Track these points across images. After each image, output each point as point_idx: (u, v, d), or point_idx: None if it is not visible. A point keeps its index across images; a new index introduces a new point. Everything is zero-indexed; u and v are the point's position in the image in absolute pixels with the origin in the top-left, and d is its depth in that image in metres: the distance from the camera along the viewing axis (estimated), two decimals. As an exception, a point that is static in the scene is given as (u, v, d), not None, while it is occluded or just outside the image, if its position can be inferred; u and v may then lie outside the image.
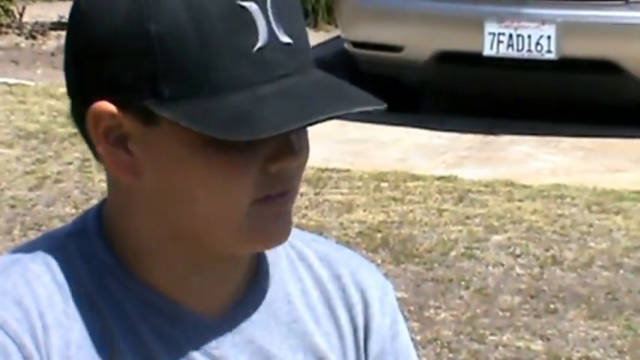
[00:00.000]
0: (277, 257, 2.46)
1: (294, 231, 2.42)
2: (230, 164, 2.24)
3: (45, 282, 2.33)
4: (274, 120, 2.16)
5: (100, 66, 2.27)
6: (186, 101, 2.21)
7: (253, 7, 2.20)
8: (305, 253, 2.54)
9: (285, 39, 2.21)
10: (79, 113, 2.29)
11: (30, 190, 9.35)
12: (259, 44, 2.18)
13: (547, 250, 8.67)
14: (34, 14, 13.80)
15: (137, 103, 2.22)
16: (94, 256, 2.39)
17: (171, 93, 2.20)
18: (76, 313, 2.34)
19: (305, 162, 2.28)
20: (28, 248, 2.41)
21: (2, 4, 13.75)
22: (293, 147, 2.21)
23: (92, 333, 2.34)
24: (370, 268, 2.60)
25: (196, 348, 2.39)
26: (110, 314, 2.36)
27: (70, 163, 9.70)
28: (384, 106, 2.09)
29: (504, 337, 7.43)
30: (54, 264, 2.37)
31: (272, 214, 2.29)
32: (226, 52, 2.21)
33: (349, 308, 2.51)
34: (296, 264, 2.51)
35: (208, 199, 2.30)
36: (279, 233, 2.32)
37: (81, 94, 2.30)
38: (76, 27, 2.30)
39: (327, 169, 9.55)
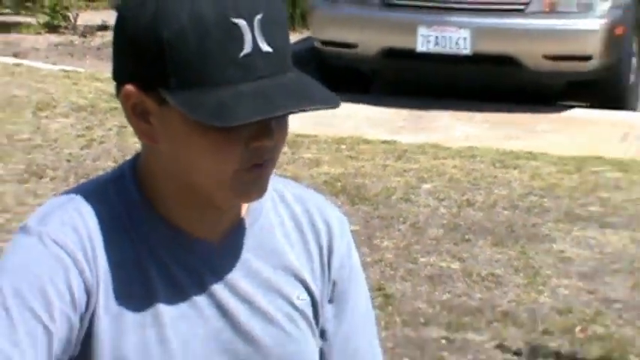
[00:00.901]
0: (263, 199, 2.44)
1: (277, 178, 2.52)
2: (219, 141, 2.25)
3: (92, 215, 2.35)
4: (244, 113, 2.18)
5: (128, 59, 2.31)
6: (186, 92, 2.22)
7: (242, 23, 2.20)
8: (284, 194, 2.55)
9: (267, 48, 2.23)
10: (118, 90, 2.32)
11: (81, 149, 9.28)
12: (244, 52, 2.20)
13: (463, 195, 8.86)
14: (85, 19, 13.53)
15: (153, 89, 2.26)
16: (128, 197, 2.41)
17: (176, 84, 2.22)
18: (114, 240, 2.36)
19: (283, 139, 2.32)
20: (79, 190, 2.43)
21: (62, 12, 13.45)
22: (270, 130, 2.26)
23: (127, 256, 2.37)
24: (332, 206, 2.63)
25: (205, 268, 2.41)
26: (140, 243, 2.38)
27: (111, 129, 9.55)
28: (337, 104, 2.20)
29: (431, 259, 7.60)
30: (98, 202, 2.38)
31: (251, 180, 2.30)
32: (218, 57, 2.21)
33: (317, 235, 2.54)
34: (277, 204, 2.53)
35: (203, 164, 2.30)
36: (255, 193, 2.35)
37: (117, 78, 2.34)
38: (115, 28, 2.36)
39: (300, 135, 9.64)
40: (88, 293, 2.31)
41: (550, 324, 6.75)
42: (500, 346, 6.43)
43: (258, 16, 2.23)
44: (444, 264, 7.62)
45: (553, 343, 6.51)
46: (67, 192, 2.43)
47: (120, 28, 2.33)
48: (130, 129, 2.39)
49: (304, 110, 2.22)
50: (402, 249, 7.80)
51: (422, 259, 7.66)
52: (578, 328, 6.68)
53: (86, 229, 2.34)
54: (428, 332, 6.56)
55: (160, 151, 2.35)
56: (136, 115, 2.31)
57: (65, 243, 2.30)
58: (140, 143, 2.41)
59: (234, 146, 2.26)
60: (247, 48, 2.21)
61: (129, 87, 2.28)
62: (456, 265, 7.59)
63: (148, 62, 2.26)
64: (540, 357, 6.29)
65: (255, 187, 2.34)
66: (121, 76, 2.33)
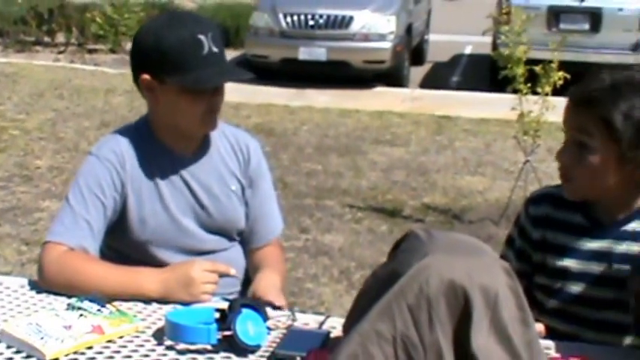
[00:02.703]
0: (214, 135, 2.43)
1: (223, 123, 2.47)
2: (194, 99, 2.25)
3: (125, 143, 2.33)
4: (209, 82, 2.23)
5: (142, 60, 2.28)
6: (176, 75, 2.21)
7: (202, 37, 2.22)
8: (224, 131, 2.48)
9: (215, 50, 2.24)
10: (136, 79, 2.31)
11: (128, 112, 8.77)
12: (205, 52, 2.22)
13: (322, 131, 8.62)
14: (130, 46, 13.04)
15: (156, 75, 2.25)
16: (143, 132, 2.37)
17: (170, 71, 2.22)
18: (136, 155, 2.33)
19: (223, 98, 2.32)
20: (119, 130, 2.40)
21: (118, 42, 13.13)
22: (220, 92, 2.30)
23: (142, 163, 2.34)
24: (251, 137, 2.55)
25: (183, 169, 2.39)
26: (150, 156, 2.35)
27: (144, 102, 9.03)
28: (253, 76, 2.24)
29: (307, 164, 7.60)
30: (128, 136, 2.35)
31: (209, 119, 2.31)
32: (192, 55, 2.21)
33: (242, 153, 2.48)
34: (222, 136, 2.46)
35: (185, 113, 2.28)
36: (211, 127, 2.34)
37: (135, 71, 2.30)
38: (133, 46, 2.32)
39: (240, 103, 9.28)
40: (122, 184, 2.33)
41: (366, 194, 6.74)
42: (342, 206, 6.40)
43: (210, 34, 2.24)
44: (314, 166, 7.48)
45: (367, 203, 6.49)
46: (113, 132, 2.41)
47: (137, 46, 2.31)
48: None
49: (237, 81, 2.33)
50: (292, 160, 7.65)
51: (302, 164, 7.53)
52: (379, 196, 6.69)
53: (120, 151, 2.32)
54: (305, 201, 6.51)
55: (159, 108, 2.33)
56: (148, 90, 2.31)
57: (111, 159, 2.32)
58: (148, 105, 2.38)
59: (202, 102, 2.28)
60: (206, 50, 2.23)
61: (144, 75, 2.28)
62: (320, 167, 7.44)
63: (155, 62, 2.25)
64: (362, 210, 6.30)
65: (211, 123, 2.34)
66: (137, 70, 2.31)
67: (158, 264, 2.30)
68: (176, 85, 2.24)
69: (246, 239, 2.55)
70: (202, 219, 2.42)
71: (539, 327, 1.98)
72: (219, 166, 2.46)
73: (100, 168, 2.31)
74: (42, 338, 1.87)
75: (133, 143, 2.35)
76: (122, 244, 2.39)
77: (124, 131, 2.40)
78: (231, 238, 2.51)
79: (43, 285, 2.21)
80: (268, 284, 2.32)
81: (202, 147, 2.44)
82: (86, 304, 2.02)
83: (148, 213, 2.36)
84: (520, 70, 5.75)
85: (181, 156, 2.40)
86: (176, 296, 2.14)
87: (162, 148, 2.38)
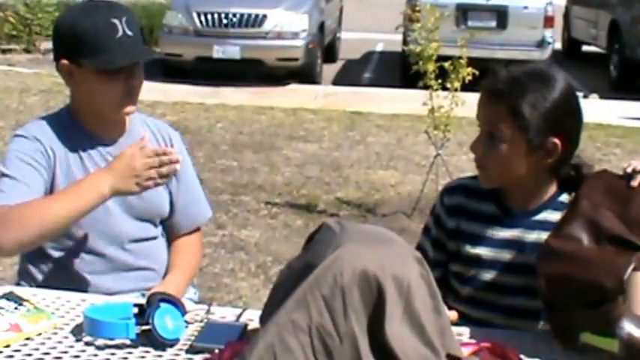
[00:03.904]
0: (134, 120, 2.47)
1: (144, 115, 2.56)
2: (111, 81, 2.30)
3: (49, 125, 2.37)
4: (121, 62, 2.27)
5: (61, 47, 2.34)
6: (92, 58, 2.27)
7: (116, 21, 2.28)
8: (146, 120, 2.54)
9: (130, 33, 2.30)
10: (57, 66, 2.35)
11: (44, 111, 8.54)
12: (119, 35, 2.28)
13: (237, 129, 8.57)
14: (44, 45, 12.80)
15: (74, 59, 2.30)
16: (65, 118, 2.41)
17: (87, 55, 2.27)
18: (60, 137, 2.36)
19: (141, 83, 2.36)
20: (44, 117, 2.44)
21: (33, 43, 12.98)
22: (135, 74, 2.34)
23: (66, 144, 2.37)
24: (173, 129, 2.60)
25: (106, 152, 2.42)
26: (77, 146, 2.38)
27: (59, 100, 8.77)
28: (164, 55, 2.38)
29: (223, 161, 7.52)
30: (52, 120, 2.39)
31: (127, 102, 2.35)
32: (106, 39, 2.27)
33: (164, 140, 2.52)
34: (143, 124, 2.51)
35: (101, 97, 2.33)
36: (129, 110, 2.37)
37: (56, 58, 2.35)
38: (53, 35, 2.39)
39: (156, 101, 9.18)
40: (52, 159, 2.34)
41: (281, 189, 6.75)
42: (258, 202, 6.40)
43: (124, 18, 2.30)
44: (229, 163, 7.45)
45: (282, 198, 6.51)
46: (39, 118, 2.45)
47: (55, 33, 2.36)
48: (64, 96, 2.39)
49: (148, 59, 2.37)
50: (207, 157, 7.61)
51: (218, 161, 7.49)
52: (294, 191, 6.71)
53: (47, 132, 2.35)
54: (221, 197, 6.49)
55: (79, 93, 2.38)
56: (67, 75, 2.35)
57: (39, 138, 2.34)
58: (69, 91, 2.42)
59: (118, 83, 2.32)
60: (120, 33, 2.29)
61: (63, 61, 2.33)
62: (235, 164, 7.44)
63: (72, 47, 2.30)
64: (278, 206, 6.31)
65: (129, 105, 2.36)
66: (58, 56, 2.35)
67: (83, 249, 2.39)
68: (92, 67, 2.28)
69: (175, 226, 2.60)
70: (128, 202, 2.44)
71: (452, 314, 2.03)
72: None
73: (30, 144, 2.33)
74: (-42, 338, 1.84)
75: (56, 130, 2.38)
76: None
77: (47, 119, 2.43)
78: (155, 225, 2.53)
79: (4, 250, 2.16)
80: (168, 289, 2.34)
81: (124, 132, 2.48)
82: (3, 302, 1.99)
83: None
84: (431, 67, 5.85)
85: (104, 140, 2.43)
86: (126, 189, 2.20)
87: (85, 134, 2.41)
